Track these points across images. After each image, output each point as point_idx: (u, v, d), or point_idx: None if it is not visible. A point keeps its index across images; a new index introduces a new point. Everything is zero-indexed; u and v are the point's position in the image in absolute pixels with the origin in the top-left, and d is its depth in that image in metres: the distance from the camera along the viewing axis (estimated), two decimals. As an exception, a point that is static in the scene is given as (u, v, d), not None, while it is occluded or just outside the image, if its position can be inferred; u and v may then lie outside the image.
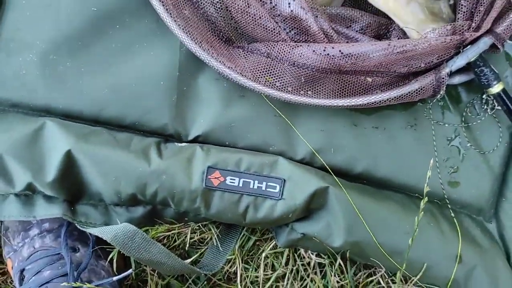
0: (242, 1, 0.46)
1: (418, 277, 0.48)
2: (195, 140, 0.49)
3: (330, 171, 0.48)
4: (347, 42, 0.48)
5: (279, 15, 0.47)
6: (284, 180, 0.47)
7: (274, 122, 0.49)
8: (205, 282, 0.55)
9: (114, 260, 0.51)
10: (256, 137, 0.49)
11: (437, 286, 0.49)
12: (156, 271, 0.54)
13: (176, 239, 0.52)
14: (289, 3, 0.46)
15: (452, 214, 0.50)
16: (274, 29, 0.46)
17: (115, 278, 0.47)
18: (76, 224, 0.47)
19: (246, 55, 0.48)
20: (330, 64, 0.46)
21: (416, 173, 0.50)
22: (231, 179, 0.47)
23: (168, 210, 0.50)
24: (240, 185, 0.47)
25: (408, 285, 0.49)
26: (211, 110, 0.49)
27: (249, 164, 0.47)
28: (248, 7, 0.46)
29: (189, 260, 0.51)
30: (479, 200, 0.51)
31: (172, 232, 0.51)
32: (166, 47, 0.48)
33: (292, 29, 0.48)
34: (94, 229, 0.46)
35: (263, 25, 0.46)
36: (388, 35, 0.49)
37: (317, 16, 0.46)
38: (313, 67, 0.46)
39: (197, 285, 0.55)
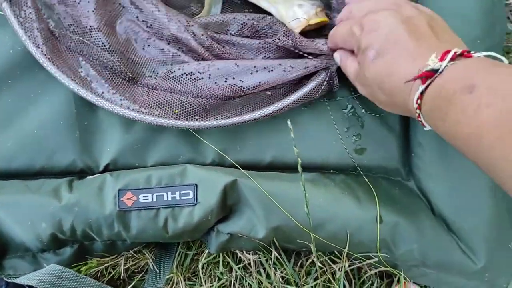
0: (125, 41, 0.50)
1: (347, 248, 0.49)
2: (106, 169, 0.51)
3: (237, 166, 0.49)
4: (229, 48, 0.51)
5: (165, 39, 0.51)
6: (196, 185, 0.48)
7: (177, 133, 0.51)
8: (155, 310, 0.54)
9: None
10: (162, 152, 0.51)
11: (368, 252, 0.49)
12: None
13: (112, 271, 0.52)
14: (168, 28, 0.49)
15: (366, 179, 0.51)
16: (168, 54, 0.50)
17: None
18: (4, 278, 0.47)
19: (149, 92, 0.50)
20: (232, 92, 0.49)
21: (321, 150, 0.52)
22: (144, 196, 0.48)
23: (96, 245, 0.51)
24: (154, 200, 0.48)
25: (343, 258, 0.50)
26: (114, 137, 0.50)
27: (159, 178, 0.49)
28: (136, 42, 0.50)
29: (127, 288, 0.51)
30: (390, 161, 0.52)
31: (106, 265, 0.51)
32: (59, 89, 0.50)
33: (179, 49, 0.51)
34: (20, 277, 0.46)
35: (153, 55, 0.50)
36: (266, 28, 0.52)
37: (193, 33, 0.50)
38: (215, 96, 0.49)
39: (148, 315, 0.54)
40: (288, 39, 0.50)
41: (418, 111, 0.36)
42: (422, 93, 0.35)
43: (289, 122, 0.43)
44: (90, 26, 0.50)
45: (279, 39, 0.50)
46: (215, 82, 0.49)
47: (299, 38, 0.49)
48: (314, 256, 0.49)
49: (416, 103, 0.36)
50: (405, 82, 0.36)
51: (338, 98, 0.52)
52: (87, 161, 0.50)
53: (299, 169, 0.43)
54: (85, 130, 0.50)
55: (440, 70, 0.34)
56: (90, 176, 0.50)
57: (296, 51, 0.50)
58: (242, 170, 0.49)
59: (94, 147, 0.51)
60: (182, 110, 0.49)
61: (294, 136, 0.50)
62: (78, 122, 0.50)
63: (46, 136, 0.50)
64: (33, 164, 0.50)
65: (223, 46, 0.51)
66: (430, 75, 0.34)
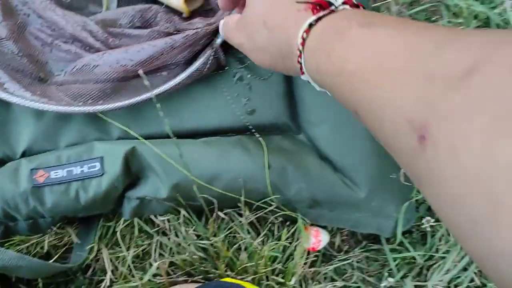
0: (33, 42, 0.56)
1: (243, 195, 0.54)
2: (23, 156, 0.56)
3: (138, 137, 0.55)
4: (124, 40, 0.58)
5: (66, 40, 0.57)
6: (102, 157, 0.54)
7: (84, 117, 0.56)
8: (88, 283, 0.59)
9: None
10: (72, 135, 0.56)
11: (264, 198, 0.55)
12: None
13: (37, 247, 0.57)
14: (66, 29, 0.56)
15: (257, 135, 0.57)
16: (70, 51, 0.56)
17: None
18: None
19: (58, 88, 0.56)
20: (125, 72, 0.55)
21: (216, 116, 0.58)
22: (54, 172, 0.53)
23: (20, 225, 0.55)
24: (65, 174, 0.53)
25: (243, 204, 0.55)
26: (28, 125, 0.56)
27: (68, 156, 0.54)
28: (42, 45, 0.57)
29: (51, 261, 0.56)
30: (279, 117, 0.58)
31: (32, 242, 0.56)
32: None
33: (80, 47, 0.57)
34: None
35: (60, 51, 0.56)
36: (153, 18, 0.59)
37: (90, 30, 0.56)
38: (113, 79, 0.55)
39: (81, 289, 0.59)
40: (170, 24, 0.56)
41: (301, 47, 0.34)
42: (310, 26, 0.33)
43: (158, 105, 0.48)
44: (0, 37, 0.56)
45: (164, 25, 0.56)
46: (109, 65, 0.55)
47: (180, 23, 0.56)
48: (217, 211, 0.54)
49: (302, 37, 0.34)
50: (296, 1, 0.34)
51: (226, 68, 0.59)
52: (5, 150, 0.56)
53: (170, 133, 0.48)
54: (1, 122, 0.56)
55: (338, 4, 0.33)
56: (9, 163, 0.55)
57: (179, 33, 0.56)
58: (139, 137, 0.54)
59: (10, 137, 0.56)
60: (87, 97, 0.55)
61: (191, 107, 0.57)
62: (-6, 116, 0.56)
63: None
64: (-45, 159, 0.55)
65: (119, 39, 0.58)
66: (325, 5, 0.33)
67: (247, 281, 0.55)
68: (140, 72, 0.50)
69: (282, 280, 0.54)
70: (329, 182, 0.55)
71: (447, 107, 0.20)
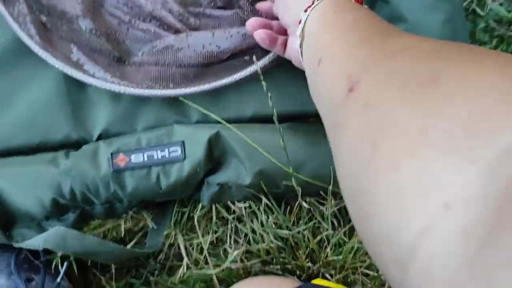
0: (113, 23, 0.54)
1: (331, 184, 0.51)
2: (99, 139, 0.54)
3: (220, 120, 0.53)
4: (205, 20, 0.55)
5: (145, 19, 0.55)
6: (183, 142, 0.52)
7: (162, 100, 0.54)
8: (160, 268, 0.58)
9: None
10: (150, 118, 0.54)
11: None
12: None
13: (113, 232, 0.55)
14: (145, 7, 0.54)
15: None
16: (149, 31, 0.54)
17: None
18: (13, 244, 0.51)
19: (138, 69, 0.54)
20: (210, 58, 0.53)
21: (300, 100, 0.55)
22: (135, 156, 0.51)
23: (96, 209, 0.54)
24: (146, 159, 0.51)
25: (329, 194, 0.53)
26: (104, 108, 0.54)
27: (148, 139, 0.52)
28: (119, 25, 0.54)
29: (129, 245, 0.54)
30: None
31: (108, 227, 0.55)
32: (48, 73, 0.54)
33: (159, 26, 0.55)
34: (26, 241, 0.50)
35: (140, 31, 0.54)
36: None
37: (170, 9, 0.54)
38: (197, 64, 0.53)
39: (154, 275, 0.58)
40: (254, 6, 0.53)
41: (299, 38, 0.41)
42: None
43: (264, 83, 0.46)
44: (77, 15, 0.54)
45: (247, 7, 0.53)
46: (194, 50, 0.52)
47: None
48: (300, 198, 0.52)
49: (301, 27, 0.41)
50: None
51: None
52: (81, 133, 0.54)
53: (274, 114, 0.46)
54: (77, 105, 0.54)
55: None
56: (85, 145, 0.54)
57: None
58: (224, 122, 0.52)
59: (86, 120, 0.54)
60: (169, 81, 0.53)
61: (273, 92, 0.54)
62: (69, 98, 0.54)
63: (40, 114, 0.54)
64: (31, 141, 0.54)
65: (199, 19, 0.55)
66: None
67: (330, 277, 0.53)
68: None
69: (372, 273, 0.52)
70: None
71: (376, 71, 0.26)
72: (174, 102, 0.54)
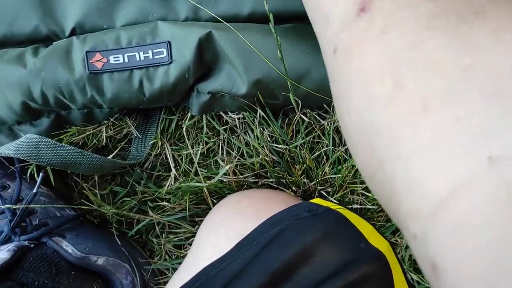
0: None
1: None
2: (73, 34, 0.47)
3: (216, 16, 0.45)
4: None
5: None
6: (169, 42, 0.45)
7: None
8: (147, 177, 0.54)
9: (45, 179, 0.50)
10: (131, 11, 0.46)
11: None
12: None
13: (93, 139, 0.50)
14: None
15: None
16: None
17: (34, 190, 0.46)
18: (-18, 151, 0.46)
19: None
20: None
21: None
22: (114, 57, 0.45)
23: (73, 114, 0.48)
24: (126, 60, 0.45)
25: (333, 109, 0.47)
26: (77, -2, 0.46)
27: (129, 38, 0.45)
28: None
29: (110, 156, 0.50)
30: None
31: (87, 133, 0.50)
32: None
33: None
34: (-3, 149, 0.45)
35: None
36: None
37: None
38: None
39: (140, 184, 0.54)
40: None
41: None
42: None
43: None
44: None
45: None
46: None
47: None
48: (298, 111, 0.46)
49: None
50: None
51: None
52: (51, 25, 0.46)
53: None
54: (44, -10, 0.46)
55: None
56: (56, 42, 0.47)
57: None
58: (220, 19, 0.44)
59: (57, 11, 0.46)
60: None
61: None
62: (35, -17, 0.46)
63: (3, 2, 0.46)
64: (-6, 33, 0.46)
65: None
66: None
67: (327, 193, 0.50)
68: None
69: (371, 194, 0.49)
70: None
71: None
72: (159, -7, 0.46)
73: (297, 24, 0.47)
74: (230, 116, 0.50)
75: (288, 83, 0.43)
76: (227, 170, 0.50)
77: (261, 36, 0.44)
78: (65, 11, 0.46)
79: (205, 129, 0.51)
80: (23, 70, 0.44)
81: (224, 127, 0.51)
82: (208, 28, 0.44)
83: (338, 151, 0.49)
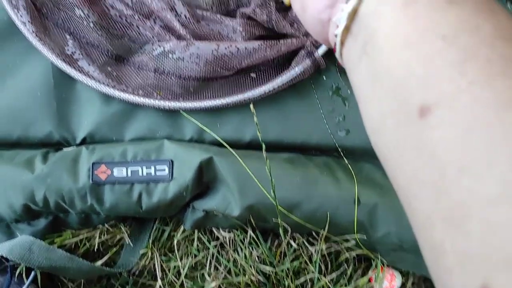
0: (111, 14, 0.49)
1: (326, 230, 0.48)
2: (83, 143, 0.50)
3: (220, 140, 0.48)
4: (215, 26, 0.50)
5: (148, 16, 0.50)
6: (172, 161, 0.47)
7: (156, 108, 0.50)
8: (132, 283, 0.54)
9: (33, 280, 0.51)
10: (141, 127, 0.50)
11: (346, 233, 0.48)
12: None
13: (86, 243, 0.52)
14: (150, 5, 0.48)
15: (346, 161, 0.50)
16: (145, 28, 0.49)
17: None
18: (-24, 247, 0.47)
19: (137, 72, 0.49)
20: (214, 73, 0.48)
21: (303, 130, 0.50)
22: (118, 170, 0.47)
23: (70, 217, 0.50)
24: (129, 174, 0.47)
25: (321, 239, 0.49)
26: (93, 109, 0.50)
27: (134, 152, 0.48)
28: (122, 18, 0.49)
29: (99, 262, 0.51)
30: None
31: (81, 237, 0.51)
32: (38, 60, 0.49)
33: (160, 27, 0.50)
34: (-9, 247, 0.46)
35: (137, 27, 0.49)
36: (233, 10, 0.51)
37: (176, 12, 0.48)
38: (198, 78, 0.48)
39: (124, 289, 0.54)
40: (262, 12, 0.48)
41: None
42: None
43: (251, 106, 0.42)
44: (75, 4, 0.48)
45: (254, 11, 0.48)
46: (196, 63, 0.47)
47: (275, 13, 0.48)
48: (285, 238, 0.48)
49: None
50: None
51: (324, 78, 0.51)
52: (64, 133, 0.50)
53: (264, 151, 0.42)
54: (63, 101, 0.50)
55: None
56: (66, 148, 0.49)
57: (270, 26, 0.48)
58: (223, 143, 0.48)
59: (71, 119, 0.50)
60: (167, 92, 0.48)
61: (275, 116, 0.50)
62: (56, 93, 0.49)
63: (23, 107, 0.49)
64: (9, 135, 0.49)
65: (208, 24, 0.50)
66: None
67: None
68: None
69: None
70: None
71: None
72: (169, 112, 0.50)
73: (295, 155, 0.50)
74: (221, 233, 0.52)
75: (278, 213, 0.45)
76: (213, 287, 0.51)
77: (260, 164, 0.47)
78: (79, 121, 0.50)
79: (195, 244, 0.52)
80: (30, 175, 0.46)
81: (215, 242, 0.52)
82: (210, 153, 0.47)
83: (323, 281, 0.50)
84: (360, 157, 0.51)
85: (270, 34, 0.50)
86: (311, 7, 0.30)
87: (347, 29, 0.26)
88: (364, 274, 0.52)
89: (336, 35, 0.28)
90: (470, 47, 0.20)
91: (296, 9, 0.33)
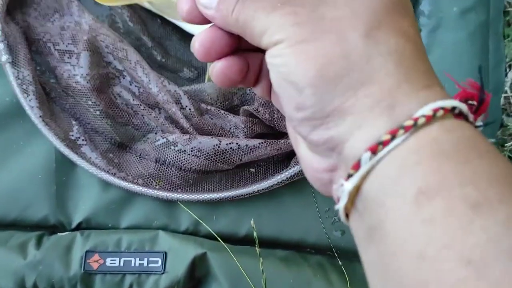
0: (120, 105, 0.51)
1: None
2: (78, 227, 0.50)
3: (215, 235, 0.48)
4: (218, 121, 0.51)
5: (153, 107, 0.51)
6: (165, 253, 0.47)
7: (154, 198, 0.50)
8: None
9: None
10: (137, 215, 0.50)
11: None
12: None
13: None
14: (156, 93, 0.50)
15: (340, 262, 0.50)
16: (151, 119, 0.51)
17: None
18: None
19: (138, 160, 0.51)
20: (214, 166, 0.49)
21: (300, 228, 0.51)
22: (111, 260, 0.47)
23: (58, 302, 0.49)
24: (121, 265, 0.47)
25: None
26: (91, 195, 0.50)
27: (129, 242, 0.48)
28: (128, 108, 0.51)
29: None
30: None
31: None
32: (42, 142, 0.50)
33: (165, 118, 0.51)
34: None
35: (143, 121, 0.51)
36: (237, 106, 0.53)
37: (181, 105, 0.50)
38: (198, 170, 0.49)
39: None
40: (265, 111, 0.50)
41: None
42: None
43: (252, 221, 0.43)
44: (84, 92, 0.50)
45: (257, 110, 0.50)
46: (197, 156, 0.48)
47: (277, 113, 0.49)
48: None
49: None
50: None
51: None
52: (60, 217, 0.50)
53: (258, 251, 0.42)
54: (63, 185, 0.50)
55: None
56: (61, 233, 0.49)
57: (272, 125, 0.50)
58: (217, 237, 0.48)
59: (69, 204, 0.50)
60: (166, 182, 0.49)
61: (274, 209, 0.50)
62: (56, 176, 0.50)
63: (22, 188, 0.50)
64: (5, 217, 0.49)
65: (211, 118, 0.51)
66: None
67: None
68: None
69: None
70: None
71: None
72: (166, 203, 0.50)
73: (290, 253, 0.50)
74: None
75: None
76: None
77: (254, 261, 0.47)
78: (77, 205, 0.50)
79: None
80: (22, 261, 0.46)
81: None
82: (204, 248, 0.47)
83: None
84: (355, 257, 0.51)
85: (270, 131, 0.51)
86: (308, 169, 0.24)
87: (351, 202, 0.21)
88: None
89: (339, 199, 0.21)
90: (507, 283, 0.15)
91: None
